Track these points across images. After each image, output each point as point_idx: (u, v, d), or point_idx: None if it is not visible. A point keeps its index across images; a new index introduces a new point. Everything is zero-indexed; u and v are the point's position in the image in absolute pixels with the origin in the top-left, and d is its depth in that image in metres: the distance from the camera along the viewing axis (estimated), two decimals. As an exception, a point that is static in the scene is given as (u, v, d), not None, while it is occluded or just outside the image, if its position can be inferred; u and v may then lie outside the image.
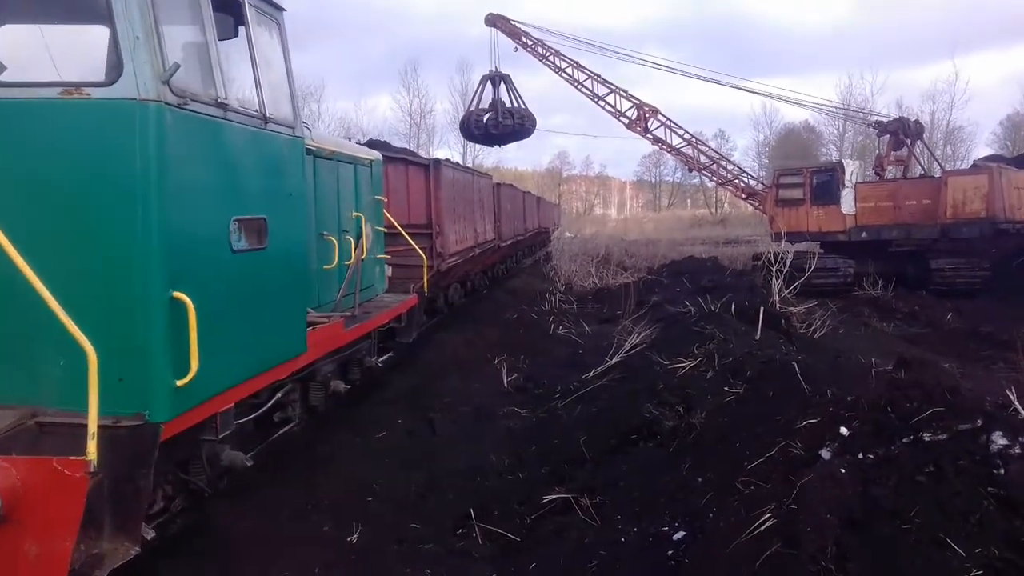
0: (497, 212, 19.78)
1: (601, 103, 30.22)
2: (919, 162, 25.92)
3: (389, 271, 9.99)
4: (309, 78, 59.20)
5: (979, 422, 4.37)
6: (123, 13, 3.88)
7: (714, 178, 30.92)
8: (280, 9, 5.74)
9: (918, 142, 25.36)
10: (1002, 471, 4.02)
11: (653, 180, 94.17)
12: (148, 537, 4.04)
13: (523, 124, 31.00)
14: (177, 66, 4.01)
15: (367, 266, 8.66)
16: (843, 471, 4.33)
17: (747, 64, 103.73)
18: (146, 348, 3.96)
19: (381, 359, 9.02)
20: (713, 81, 30.96)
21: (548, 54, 30.66)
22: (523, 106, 31.06)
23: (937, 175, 23.56)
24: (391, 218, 10.05)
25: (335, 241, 7.62)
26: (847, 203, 22.25)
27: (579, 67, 30.46)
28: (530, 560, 5.13)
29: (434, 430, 8.30)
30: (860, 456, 4.49)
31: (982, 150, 58.03)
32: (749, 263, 24.18)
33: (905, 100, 59.49)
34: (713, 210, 76.90)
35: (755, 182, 30.57)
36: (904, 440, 4.47)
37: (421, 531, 5.74)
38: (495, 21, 31.04)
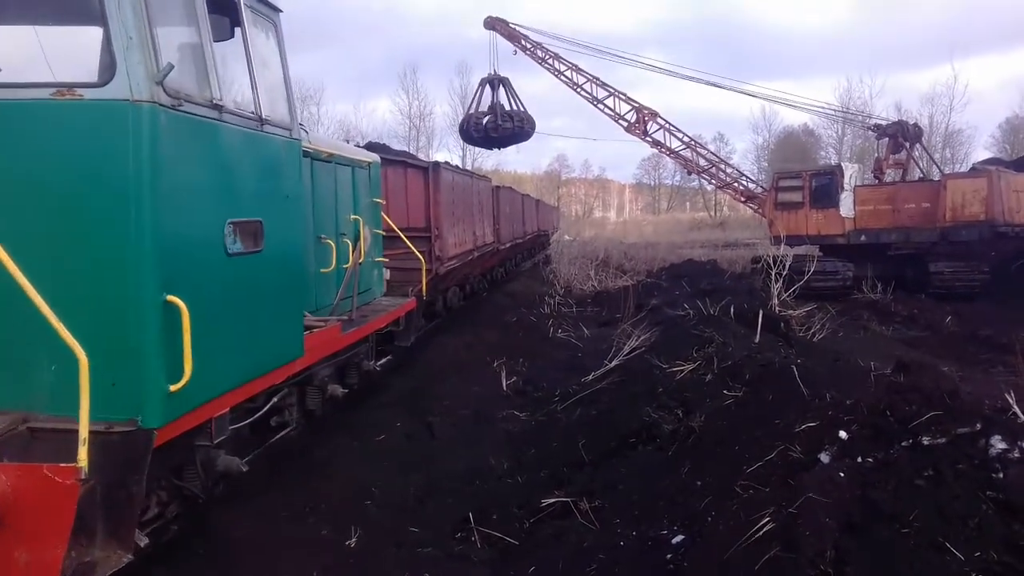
0: (496, 215, 19.79)
1: (600, 106, 30.25)
2: (918, 165, 25.99)
3: (387, 274, 9.96)
4: (309, 81, 59.38)
5: (978, 426, 4.37)
6: (116, 13, 3.84)
7: (713, 181, 30.93)
8: (276, 10, 5.70)
9: (917, 145, 25.40)
10: (1001, 475, 4.02)
11: (652, 183, 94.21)
12: (141, 544, 4.01)
13: (522, 127, 31.03)
14: (171, 67, 3.97)
15: (365, 269, 8.63)
16: (842, 475, 4.33)
17: (746, 67, 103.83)
18: (139, 353, 3.91)
19: (379, 363, 9.00)
20: (712, 84, 31.05)
21: (547, 57, 30.70)
22: (522, 109, 31.10)
23: (936, 178, 23.61)
24: (389, 221, 10.03)
25: (333, 244, 7.59)
26: (846, 206, 22.28)
27: (578, 70, 30.51)
28: (529, 564, 5.12)
29: (433, 433, 8.29)
30: (859, 460, 4.49)
31: (981, 153, 58.22)
32: (748, 266, 24.18)
33: (904, 103, 59.85)
34: (712, 213, 76.94)
35: (754, 185, 30.60)
36: (903, 444, 4.47)
37: (420, 535, 5.73)
38: (494, 24, 31.09)
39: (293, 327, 5.79)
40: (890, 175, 24.26)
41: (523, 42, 30.85)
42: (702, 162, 30.49)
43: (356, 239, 8.20)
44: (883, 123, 26.33)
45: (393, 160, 13.13)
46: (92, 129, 3.87)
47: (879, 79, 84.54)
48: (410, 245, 10.15)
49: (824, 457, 4.71)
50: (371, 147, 13.13)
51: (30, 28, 4.67)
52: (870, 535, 3.85)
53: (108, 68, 3.89)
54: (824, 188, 22.78)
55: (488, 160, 61.89)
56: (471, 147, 49.07)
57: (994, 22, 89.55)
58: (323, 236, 7.50)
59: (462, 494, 6.58)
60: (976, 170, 23.25)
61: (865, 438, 4.70)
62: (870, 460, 4.45)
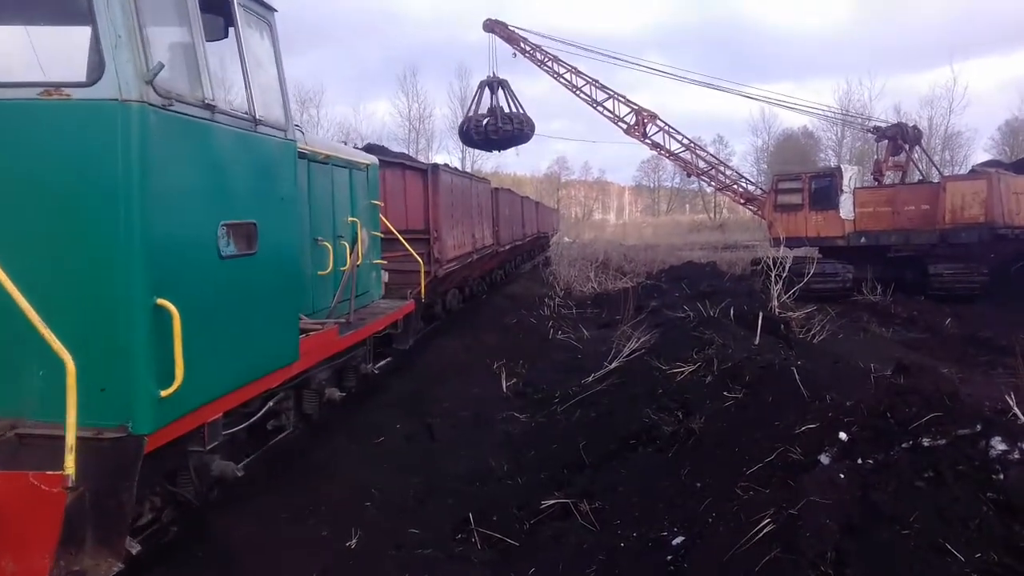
0: (495, 217, 19.79)
1: (599, 108, 30.26)
2: (917, 167, 26.00)
3: (386, 277, 9.90)
4: (308, 83, 59.37)
5: (978, 427, 4.37)
6: (104, 11, 3.77)
7: (712, 183, 30.93)
8: (271, 10, 5.62)
9: (916, 147, 25.42)
10: (1001, 476, 4.02)
11: (652, 185, 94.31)
12: (133, 551, 3.95)
13: (522, 129, 31.02)
14: (161, 66, 3.90)
15: (363, 272, 8.58)
16: (842, 476, 4.33)
17: (746, 69, 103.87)
18: (128, 357, 3.84)
19: (378, 365, 8.95)
20: (712, 86, 31.05)
21: (546, 60, 30.71)
22: (522, 111, 31.12)
23: (936, 180, 23.61)
24: (388, 223, 10.00)
25: (330, 246, 7.52)
26: (846, 208, 22.31)
27: (577, 73, 30.51)
28: (529, 565, 5.11)
29: (433, 435, 8.29)
30: (859, 461, 4.49)
31: (980, 155, 58.33)
32: (748, 268, 24.19)
33: (903, 105, 59.87)
34: (712, 215, 77.00)
35: (754, 187, 30.62)
36: (903, 445, 4.47)
37: (420, 536, 5.73)
38: (493, 27, 31.09)
39: (288, 330, 5.72)
40: (889, 177, 24.28)
41: (522, 44, 30.85)
42: (702, 164, 30.50)
43: (353, 241, 8.13)
44: (882, 125, 26.37)
45: (391, 162, 13.12)
46: (81, 129, 3.81)
47: (878, 81, 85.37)
48: (408, 247, 10.11)
49: (824, 458, 4.72)
50: (369, 149, 13.14)
51: (20, 28, 4.62)
52: (870, 536, 3.85)
53: (96, 67, 3.82)
54: (823, 190, 22.81)
55: (488, 162, 62.07)
56: (471, 149, 49.13)
57: (994, 24, 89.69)
58: (320, 238, 7.44)
59: (462, 495, 6.58)
60: (976, 172, 23.29)
61: (865, 440, 4.71)
62: (870, 461, 4.45)
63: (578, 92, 30.50)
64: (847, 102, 58.37)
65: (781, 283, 13.24)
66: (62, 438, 3.38)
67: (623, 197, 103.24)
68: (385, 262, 9.86)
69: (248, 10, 5.23)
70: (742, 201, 29.85)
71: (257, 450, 6.17)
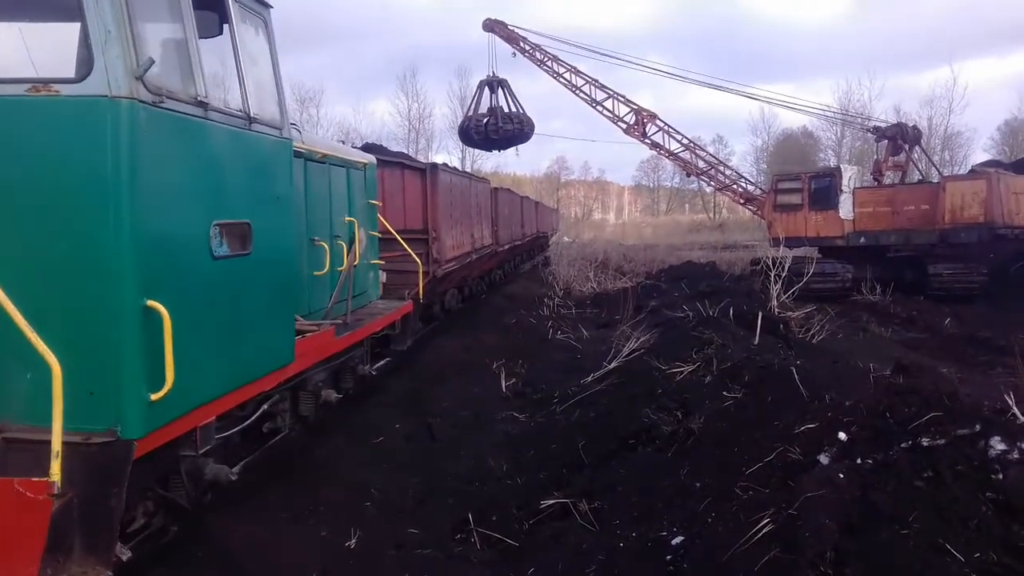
0: (495, 217, 19.78)
1: (599, 108, 30.25)
2: (917, 167, 26.01)
3: (384, 277, 9.83)
4: (308, 83, 59.36)
5: (977, 427, 4.37)
6: (93, 6, 3.70)
7: (712, 183, 30.92)
8: (267, 6, 5.54)
9: (916, 147, 25.42)
10: (1000, 476, 4.03)
11: (651, 185, 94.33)
12: (124, 558, 3.87)
13: (522, 129, 31.02)
14: (152, 61, 3.82)
15: (360, 272, 8.51)
16: (842, 476, 4.33)
17: (745, 69, 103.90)
18: (117, 360, 3.75)
19: (376, 366, 8.90)
20: (711, 86, 31.08)
21: (546, 59, 30.69)
22: (521, 111, 31.12)
23: (935, 180, 23.61)
24: (386, 223, 9.95)
25: (327, 247, 7.42)
26: (845, 208, 22.31)
27: (577, 72, 30.50)
28: (529, 565, 5.12)
29: (432, 435, 8.28)
30: (859, 461, 4.50)
31: (980, 155, 58.36)
32: (747, 268, 24.19)
33: (903, 105, 59.95)
34: (711, 215, 77.00)
35: (753, 187, 30.63)
36: (902, 445, 4.47)
37: (420, 536, 5.73)
38: (493, 26, 31.08)
39: (283, 332, 5.63)
40: (889, 177, 24.29)
41: (522, 44, 30.84)
42: (701, 164, 30.50)
43: (351, 241, 8.05)
44: (882, 125, 26.37)
45: (390, 161, 13.07)
46: (69, 126, 3.72)
47: (878, 81, 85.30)
48: (407, 247, 10.05)
49: (824, 458, 4.72)
50: (368, 148, 13.10)
51: (9, 24, 4.57)
52: (870, 536, 3.85)
53: (85, 63, 3.74)
54: (823, 190, 22.82)
55: (488, 162, 62.08)
56: (470, 149, 49.12)
57: (993, 24, 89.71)
58: (316, 238, 7.35)
59: (461, 495, 6.58)
60: (975, 172, 23.29)
61: (864, 439, 4.71)
62: (869, 461, 4.45)
63: (578, 92, 30.50)
64: (847, 102, 58.48)
65: (780, 283, 13.24)
66: (49, 443, 3.31)
67: (623, 197, 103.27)
68: (383, 262, 9.79)
69: (243, 6, 5.14)
70: (741, 201, 29.85)
71: (253, 453, 6.11)
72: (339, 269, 7.75)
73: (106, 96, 3.70)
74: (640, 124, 29.73)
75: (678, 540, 4.79)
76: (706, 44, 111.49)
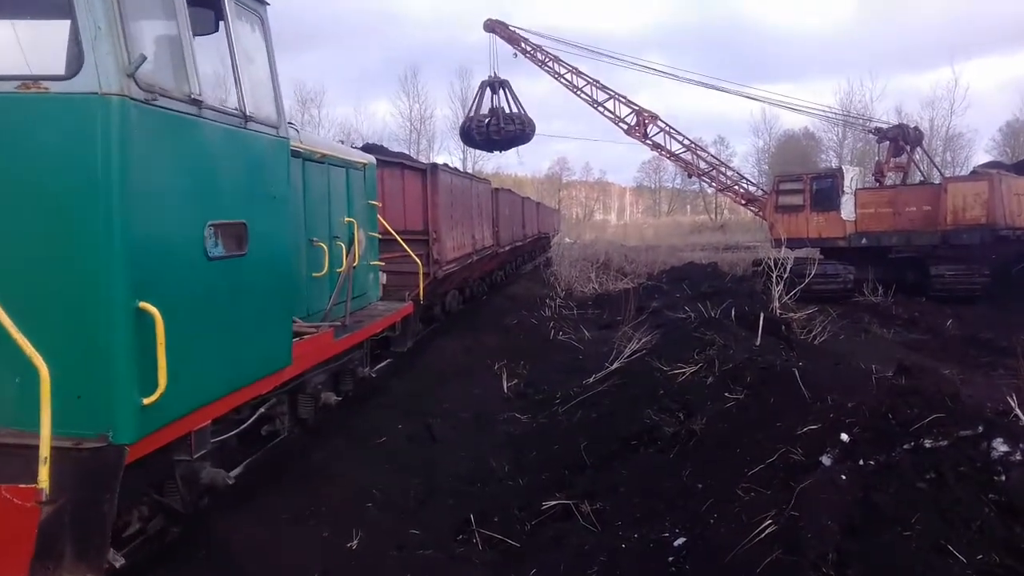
0: (496, 218, 19.76)
1: (600, 109, 30.26)
2: (919, 168, 26.01)
3: (384, 278, 9.75)
4: (309, 83, 59.42)
5: (980, 429, 4.37)
6: (84, 2, 3.62)
7: (714, 184, 30.94)
8: (263, 3, 5.45)
9: (918, 148, 25.44)
10: (1003, 478, 4.02)
11: (653, 186, 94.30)
12: (117, 565, 3.79)
13: (523, 129, 31.05)
14: (143, 58, 3.74)
15: (360, 273, 8.44)
16: (844, 477, 4.33)
17: (747, 70, 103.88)
18: (108, 364, 3.67)
19: (376, 368, 8.85)
20: (713, 87, 31.08)
21: (547, 60, 30.71)
22: (523, 112, 31.14)
23: (937, 181, 23.62)
24: (386, 224, 9.89)
25: (325, 247, 7.35)
26: (847, 209, 22.31)
27: (578, 73, 30.52)
28: (530, 566, 5.11)
29: (434, 436, 8.28)
30: (861, 462, 4.49)
31: (981, 156, 58.28)
32: (749, 269, 24.18)
33: (905, 107, 59.81)
34: (713, 216, 76.98)
35: (755, 188, 30.63)
36: (905, 447, 4.47)
37: (421, 537, 5.73)
38: (494, 27, 31.11)
39: (280, 334, 5.54)
40: (891, 178, 24.29)
41: (523, 45, 30.86)
42: (702, 165, 30.51)
43: (350, 242, 7.97)
44: (884, 126, 26.39)
45: (390, 162, 13.00)
46: (59, 124, 3.66)
47: (880, 82, 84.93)
48: (407, 249, 10.00)
49: (826, 460, 4.71)
50: (368, 148, 13.06)
51: (2, 22, 4.50)
52: (872, 538, 3.85)
53: (76, 59, 3.66)
54: (825, 191, 22.82)
55: (489, 163, 62.09)
56: (472, 150, 49.16)
57: (994, 24, 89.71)
58: (315, 239, 7.27)
59: (463, 496, 6.58)
60: (977, 173, 23.29)
61: (867, 441, 4.71)
62: (872, 463, 4.45)
63: (579, 92, 30.52)
64: (848, 103, 58.43)
65: (782, 284, 13.24)
66: (39, 448, 3.26)
67: (624, 198, 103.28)
68: (383, 263, 9.70)
69: (239, 3, 5.04)
70: (743, 202, 29.87)
71: (251, 456, 6.05)
72: (338, 270, 7.67)
73: (96, 93, 3.62)
74: (641, 125, 29.74)
75: (680, 541, 4.79)
76: (707, 45, 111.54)
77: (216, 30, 4.95)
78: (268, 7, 5.52)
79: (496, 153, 39.13)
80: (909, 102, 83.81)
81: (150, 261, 3.89)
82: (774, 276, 13.17)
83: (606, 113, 30.17)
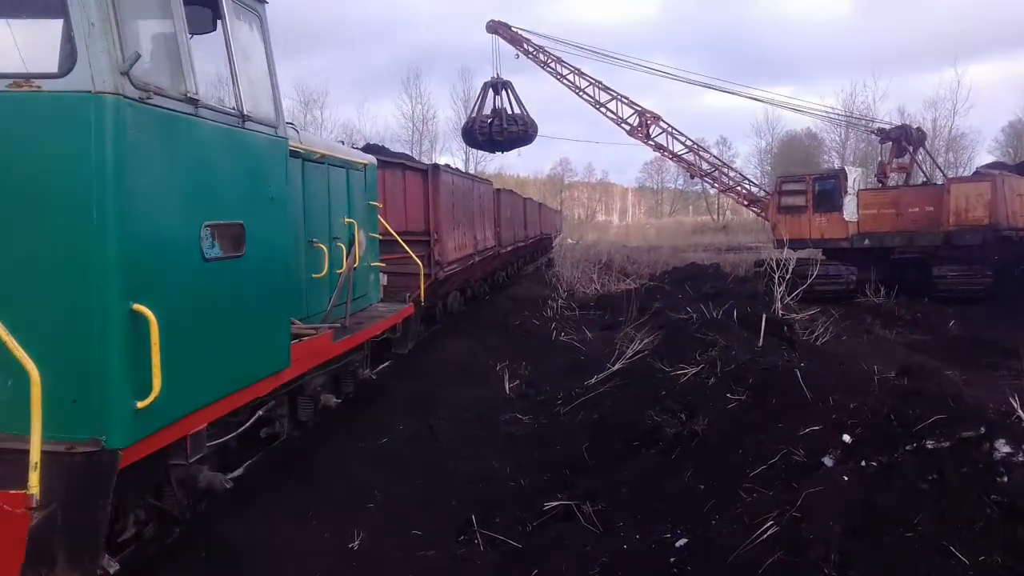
0: (497, 218, 19.76)
1: (603, 110, 30.27)
2: (921, 169, 25.94)
3: (384, 280, 9.70)
4: (312, 85, 59.47)
5: (982, 430, 4.36)
6: None
7: (716, 185, 30.94)
8: (262, 2, 5.41)
9: (920, 149, 25.41)
10: (1005, 479, 4.02)
11: (655, 187, 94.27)
12: (111, 571, 3.73)
13: (525, 130, 31.08)
14: (138, 56, 3.69)
15: (360, 275, 8.39)
16: (846, 478, 4.33)
17: (749, 71, 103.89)
18: (102, 367, 3.60)
19: (377, 370, 8.82)
20: (715, 88, 31.12)
21: (550, 61, 30.74)
22: (525, 112, 31.16)
23: (940, 182, 23.61)
24: (387, 225, 9.85)
25: (325, 248, 7.28)
26: (849, 210, 22.30)
27: (580, 74, 30.54)
28: (532, 567, 5.11)
29: (435, 436, 8.28)
30: (863, 463, 4.49)
31: (984, 157, 58.08)
32: (751, 270, 24.18)
33: (907, 107, 59.56)
34: (715, 217, 76.91)
35: (757, 189, 30.62)
36: (907, 448, 4.47)
37: (423, 537, 5.73)
38: (496, 28, 31.13)
39: (278, 336, 5.47)
40: (893, 179, 24.29)
41: (525, 46, 30.88)
42: (705, 166, 30.51)
43: (350, 243, 7.94)
44: (886, 127, 26.39)
45: (391, 162, 12.96)
46: (52, 123, 3.59)
47: (882, 83, 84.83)
48: (408, 250, 9.95)
49: (828, 461, 4.72)
50: (369, 149, 13.04)
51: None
52: (874, 538, 3.84)
53: (69, 57, 3.60)
54: (827, 192, 22.81)
55: (491, 164, 62.15)
56: (474, 151, 49.22)
57: (997, 25, 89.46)
58: (315, 240, 7.20)
59: (465, 497, 6.57)
60: (980, 174, 23.26)
61: (869, 442, 4.71)
62: (874, 464, 4.45)
63: (581, 93, 30.53)
64: (851, 104, 58.32)
65: (784, 285, 13.23)
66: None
67: (626, 199, 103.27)
68: (384, 264, 9.65)
69: (237, 2, 4.99)
70: (745, 203, 29.86)
71: (249, 460, 6.01)
72: (338, 272, 7.62)
73: (90, 91, 3.56)
74: (644, 126, 29.75)
75: (682, 542, 4.79)
76: (709, 46, 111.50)
77: (214, 28, 4.91)
78: (266, 6, 5.49)
79: (498, 154, 39.17)
80: (912, 103, 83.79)
81: (145, 262, 3.83)
82: (776, 277, 13.16)
83: (608, 114, 30.18)
